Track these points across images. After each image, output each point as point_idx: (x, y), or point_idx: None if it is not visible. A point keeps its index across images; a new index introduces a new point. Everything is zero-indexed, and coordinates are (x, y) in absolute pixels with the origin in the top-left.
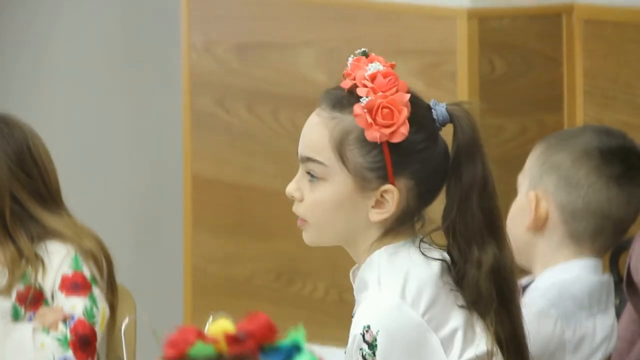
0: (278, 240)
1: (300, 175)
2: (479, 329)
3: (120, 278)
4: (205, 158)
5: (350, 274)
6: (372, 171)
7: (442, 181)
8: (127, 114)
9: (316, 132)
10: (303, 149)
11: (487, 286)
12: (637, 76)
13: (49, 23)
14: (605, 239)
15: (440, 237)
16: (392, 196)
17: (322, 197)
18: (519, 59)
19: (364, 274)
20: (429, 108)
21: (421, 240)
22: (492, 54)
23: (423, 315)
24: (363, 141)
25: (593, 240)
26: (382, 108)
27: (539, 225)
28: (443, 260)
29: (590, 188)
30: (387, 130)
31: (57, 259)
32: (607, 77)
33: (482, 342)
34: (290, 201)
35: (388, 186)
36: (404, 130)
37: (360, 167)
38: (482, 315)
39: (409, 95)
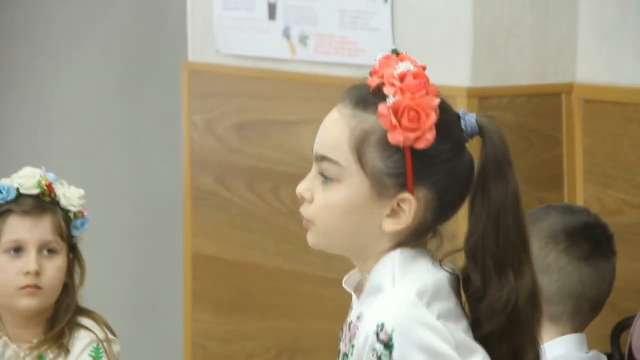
0: (278, 318)
1: (312, 175)
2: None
3: (121, 355)
4: (205, 236)
5: (344, 282)
6: (391, 177)
7: (463, 197)
8: (129, 192)
9: (335, 130)
10: (319, 147)
11: (526, 311)
12: (637, 155)
13: (48, 97)
14: (585, 316)
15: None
16: (410, 206)
17: (334, 200)
18: (519, 138)
19: (376, 277)
20: (458, 117)
21: (435, 258)
22: None
23: (437, 318)
24: (385, 144)
25: (572, 319)
26: (409, 110)
27: None
28: (455, 274)
29: (561, 272)
30: (412, 135)
31: (80, 345)
32: (607, 156)
33: None
34: (291, 279)
35: (406, 195)
36: (430, 136)
37: (378, 171)
38: (490, 339)
39: (438, 100)
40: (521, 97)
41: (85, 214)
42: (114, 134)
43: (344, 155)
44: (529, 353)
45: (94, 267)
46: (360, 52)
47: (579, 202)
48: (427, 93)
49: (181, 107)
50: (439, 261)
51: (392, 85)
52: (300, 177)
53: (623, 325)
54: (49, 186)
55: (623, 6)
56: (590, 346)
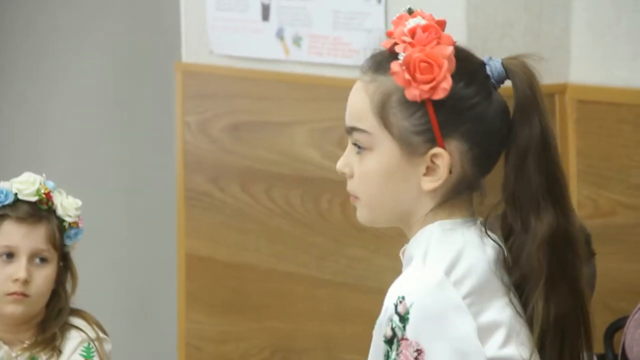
0: (272, 318)
1: (348, 149)
2: (524, 333)
3: (115, 357)
4: (199, 236)
5: (400, 254)
6: (418, 134)
7: (501, 145)
8: (122, 192)
9: (357, 99)
10: (347, 119)
11: (539, 259)
12: (630, 156)
13: (44, 98)
14: None
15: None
16: (443, 160)
17: (369, 169)
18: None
19: (412, 249)
20: (481, 63)
21: (483, 223)
22: None
23: (465, 297)
24: (405, 102)
25: None
26: (420, 62)
27: None
28: (500, 246)
29: None
30: (427, 87)
31: (72, 345)
32: (601, 156)
33: (523, 345)
34: (285, 279)
35: (437, 149)
36: (446, 85)
37: (405, 131)
38: (531, 293)
39: (451, 48)
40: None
41: (80, 224)
42: (107, 135)
43: (369, 122)
44: (565, 293)
45: (88, 268)
46: (354, 53)
47: (573, 202)
48: (438, 43)
49: (175, 108)
50: (486, 232)
51: (403, 42)
52: (294, 178)
53: (616, 326)
54: (48, 194)
55: (617, 7)
56: None
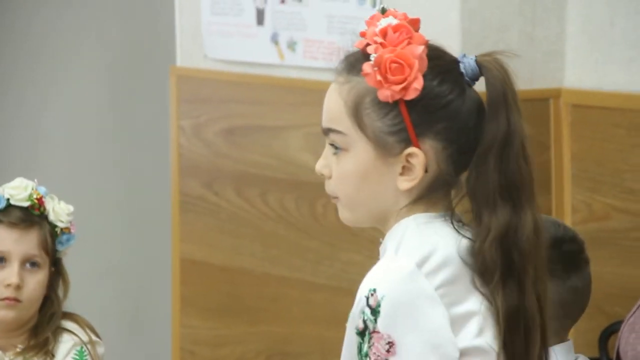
0: (267, 322)
1: (326, 150)
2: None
3: None
4: (193, 241)
5: (379, 248)
6: (392, 135)
7: (476, 141)
8: (117, 196)
9: (332, 100)
10: (323, 120)
11: (491, 254)
12: (624, 160)
13: (39, 102)
14: (566, 328)
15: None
16: (418, 160)
17: (346, 169)
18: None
19: (387, 242)
20: (455, 61)
21: (452, 217)
22: None
23: (437, 288)
24: (379, 103)
25: (556, 335)
26: (391, 63)
27: None
28: (474, 240)
29: None
30: (398, 87)
31: (64, 349)
32: (595, 161)
33: (496, 339)
34: (279, 283)
35: (412, 149)
36: (418, 85)
37: (379, 131)
38: (488, 287)
39: (422, 47)
40: None
41: (72, 230)
42: (102, 139)
43: (344, 123)
44: (512, 293)
45: (82, 272)
46: None
47: (567, 207)
48: (409, 43)
49: (169, 112)
50: (461, 225)
51: (375, 42)
52: (288, 182)
53: (611, 330)
54: (40, 200)
55: (611, 12)
56: (579, 351)
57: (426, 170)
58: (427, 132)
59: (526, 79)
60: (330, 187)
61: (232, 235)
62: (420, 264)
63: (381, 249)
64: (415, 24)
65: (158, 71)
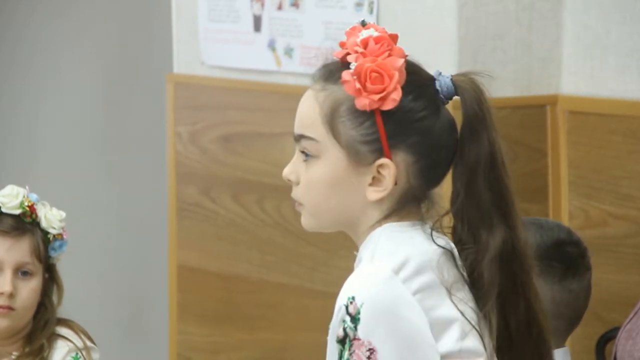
0: (264, 329)
1: (296, 157)
2: (483, 330)
3: None
4: (190, 247)
5: (354, 263)
6: (366, 144)
7: (448, 159)
8: (114, 204)
9: (307, 107)
10: (296, 127)
11: (491, 272)
12: (621, 167)
13: (35, 109)
14: (563, 334)
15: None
16: (389, 171)
17: (316, 176)
18: (504, 149)
19: (362, 251)
20: (431, 78)
21: (431, 227)
22: None
23: (415, 293)
24: (355, 112)
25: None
26: (371, 72)
27: None
28: (449, 249)
29: None
30: (377, 97)
31: (59, 355)
32: (592, 167)
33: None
34: (276, 290)
35: (383, 160)
36: (396, 96)
37: (353, 140)
38: (484, 303)
39: (402, 60)
40: (506, 109)
41: (64, 236)
42: (99, 145)
43: (318, 130)
44: (519, 305)
45: (79, 279)
46: None
47: (564, 213)
48: (390, 55)
49: (166, 119)
50: (432, 233)
51: (356, 52)
52: (285, 189)
53: (608, 337)
54: (31, 207)
55: (606, 20)
56: (576, 357)
57: (395, 183)
58: (400, 145)
59: (523, 86)
60: (296, 193)
61: (229, 242)
62: (396, 270)
63: (356, 261)
64: (394, 39)
65: (155, 78)
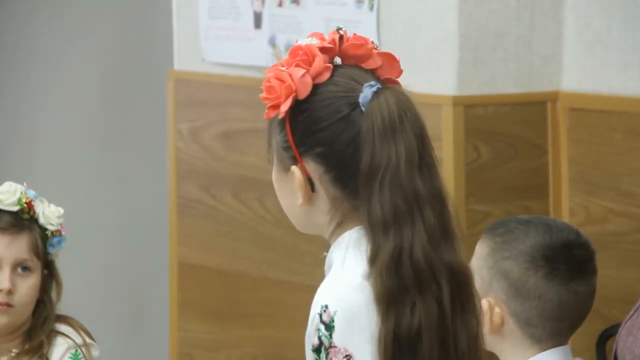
0: (264, 326)
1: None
2: None
3: None
4: (191, 244)
5: (325, 267)
6: (285, 150)
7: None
8: (114, 200)
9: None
10: None
11: (385, 279)
12: (621, 164)
13: (35, 106)
14: (566, 333)
15: None
16: (295, 178)
17: (274, 183)
18: (505, 146)
19: (332, 255)
20: (352, 90)
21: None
22: (477, 141)
23: None
24: (280, 120)
25: (552, 338)
26: (266, 82)
27: (497, 330)
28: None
29: (541, 299)
30: (269, 105)
31: (59, 352)
32: (592, 164)
33: None
34: (277, 287)
35: (292, 167)
36: (284, 107)
37: (277, 146)
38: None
39: (303, 72)
40: (507, 106)
41: (63, 233)
42: (99, 143)
43: (268, 138)
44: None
45: (80, 276)
46: None
47: (565, 210)
48: (297, 65)
49: (167, 116)
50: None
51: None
52: None
53: (609, 334)
54: (29, 204)
55: (608, 17)
56: (576, 354)
57: (313, 190)
58: (308, 154)
59: (524, 83)
60: None
61: (229, 239)
62: (367, 276)
63: (326, 264)
64: (332, 51)
65: (156, 75)
